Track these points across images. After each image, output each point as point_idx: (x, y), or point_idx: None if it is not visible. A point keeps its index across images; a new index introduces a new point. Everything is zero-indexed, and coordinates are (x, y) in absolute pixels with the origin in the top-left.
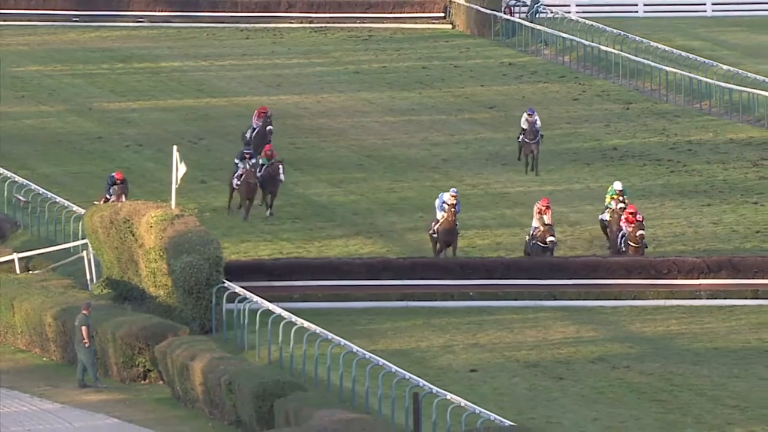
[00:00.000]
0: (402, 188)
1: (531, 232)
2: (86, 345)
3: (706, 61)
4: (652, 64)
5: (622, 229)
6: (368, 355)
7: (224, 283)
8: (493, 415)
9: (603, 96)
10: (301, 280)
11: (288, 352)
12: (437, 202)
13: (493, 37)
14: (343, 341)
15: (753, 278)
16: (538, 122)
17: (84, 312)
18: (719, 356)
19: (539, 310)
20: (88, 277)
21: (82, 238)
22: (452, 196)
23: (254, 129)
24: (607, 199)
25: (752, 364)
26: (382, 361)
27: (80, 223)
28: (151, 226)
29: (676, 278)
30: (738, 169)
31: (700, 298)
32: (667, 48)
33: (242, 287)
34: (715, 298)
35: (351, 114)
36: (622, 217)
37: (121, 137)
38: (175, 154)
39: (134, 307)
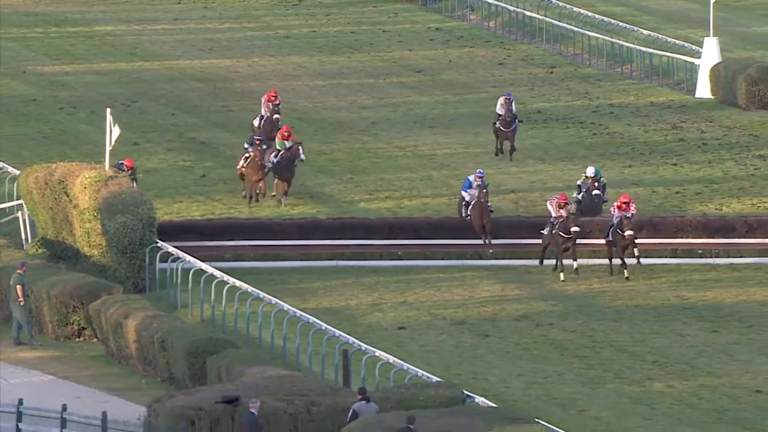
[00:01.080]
0: (332, 150)
1: (551, 221)
2: (21, 303)
3: (628, 26)
4: (575, 29)
5: (614, 214)
6: (299, 313)
7: (157, 242)
8: (420, 372)
9: (527, 60)
10: (232, 240)
11: (220, 310)
12: (464, 185)
13: (420, 3)
14: (274, 300)
15: (672, 238)
16: (514, 106)
17: (19, 271)
18: (639, 313)
19: (466, 270)
20: (23, 236)
21: (17, 199)
22: (478, 177)
23: (263, 117)
24: (583, 178)
25: (671, 321)
26: (312, 319)
27: (15, 184)
28: (86, 187)
29: (597, 237)
30: (658, 132)
31: (602, 257)
32: (589, 13)
33: (175, 247)
34: (652, 257)
35: (281, 77)
36: (614, 204)
37: (55, 100)
38: (109, 117)
39: (69, 266)
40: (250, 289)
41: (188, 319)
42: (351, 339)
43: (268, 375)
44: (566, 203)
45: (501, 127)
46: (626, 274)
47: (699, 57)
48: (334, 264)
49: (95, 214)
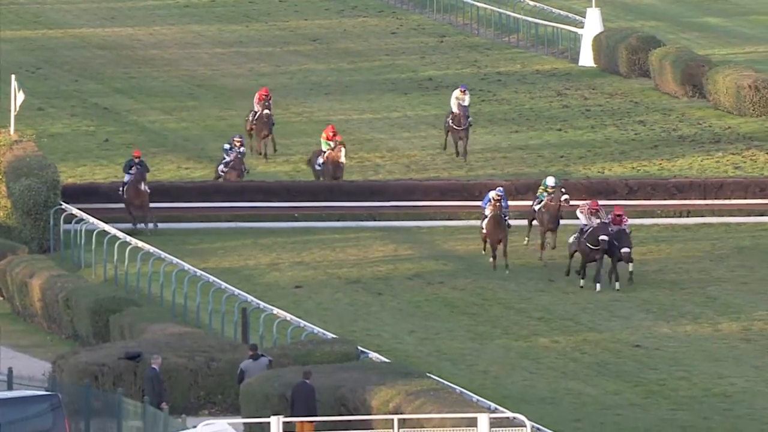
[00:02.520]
0: (230, 116)
1: (582, 228)
2: None
3: None
4: (465, 0)
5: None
6: (199, 272)
7: (61, 205)
8: (317, 329)
9: (419, 30)
10: None
11: (123, 270)
12: (484, 201)
13: None
14: (175, 260)
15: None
16: (467, 100)
17: None
18: (526, 272)
19: (360, 231)
20: None
21: None
22: (497, 195)
23: (255, 113)
24: (540, 191)
25: (556, 280)
26: (212, 278)
27: None
28: None
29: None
30: (543, 98)
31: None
32: None
33: (79, 209)
34: (523, 219)
35: (182, 46)
36: (608, 217)
37: None
38: (14, 83)
39: None
40: (152, 249)
41: (92, 279)
42: (249, 297)
43: (169, 332)
44: (597, 210)
45: (453, 126)
46: (617, 286)
47: (582, 27)
48: (233, 225)
49: (0, 177)
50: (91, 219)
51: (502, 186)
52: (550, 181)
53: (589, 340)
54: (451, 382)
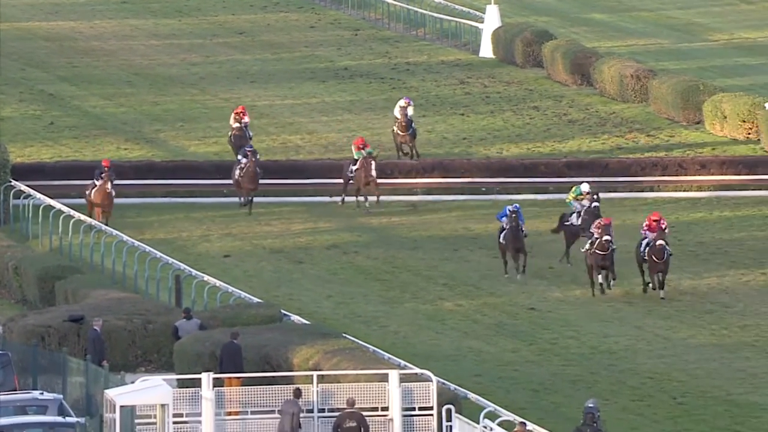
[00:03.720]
0: (165, 101)
1: (591, 240)
2: None
3: None
4: None
5: (645, 237)
6: (137, 243)
7: (11, 182)
8: (243, 294)
9: (335, 24)
10: (78, 179)
11: (67, 241)
12: (500, 215)
13: None
14: (115, 232)
15: (460, 177)
16: (411, 111)
17: None
18: (432, 242)
19: (283, 205)
20: None
21: None
22: (513, 209)
23: (233, 128)
24: (570, 198)
25: (459, 249)
26: (148, 248)
27: None
28: None
29: (397, 178)
30: (448, 86)
31: (417, 195)
32: None
33: (27, 186)
34: (430, 194)
35: (120, 38)
36: (644, 224)
37: None
38: None
39: None
40: (94, 222)
41: (39, 249)
42: (182, 266)
43: (109, 297)
44: (607, 225)
45: (398, 132)
46: (662, 294)
47: (482, 22)
48: (168, 201)
49: None
50: (38, 195)
51: (412, 163)
52: (585, 187)
53: (489, 304)
54: (364, 342)
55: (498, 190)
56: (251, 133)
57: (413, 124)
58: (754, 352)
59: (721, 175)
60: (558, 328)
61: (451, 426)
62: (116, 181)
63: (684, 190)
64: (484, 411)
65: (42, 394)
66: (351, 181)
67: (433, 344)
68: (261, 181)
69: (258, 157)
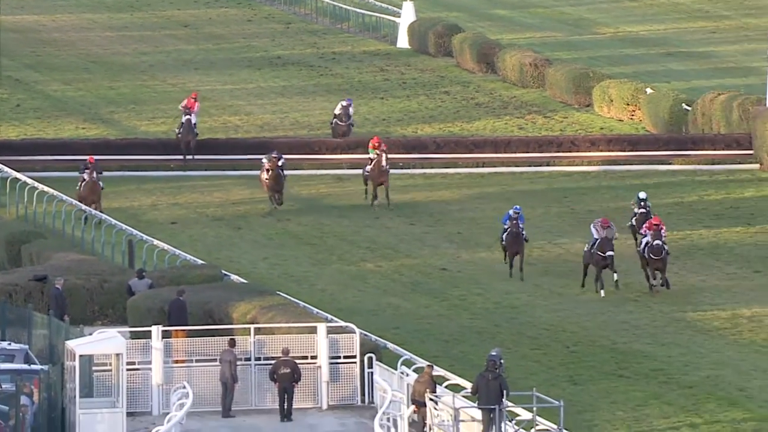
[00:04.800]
0: (118, 86)
1: (591, 242)
2: None
3: None
4: None
5: (646, 236)
6: (94, 212)
7: None
8: (189, 256)
9: (269, 18)
10: (41, 155)
11: (32, 209)
12: (503, 218)
13: None
14: (74, 201)
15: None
16: (351, 110)
17: None
18: (356, 211)
19: (223, 178)
20: None
21: None
22: (515, 213)
23: (182, 124)
24: (634, 207)
25: (380, 217)
26: (104, 216)
27: None
28: None
29: (325, 154)
30: (369, 74)
31: (343, 168)
32: None
33: None
34: (353, 169)
35: (78, 30)
36: (644, 225)
37: None
38: None
39: None
40: (56, 193)
41: (7, 216)
42: (134, 231)
43: (69, 259)
44: (608, 226)
45: (338, 122)
46: (666, 288)
47: (399, 16)
48: (121, 174)
49: None
50: (6, 168)
51: (338, 141)
52: (642, 194)
53: (406, 265)
54: (296, 299)
55: (413, 165)
56: (196, 130)
57: (351, 119)
58: (635, 306)
59: (609, 151)
60: (466, 286)
61: (372, 372)
62: (76, 156)
63: (576, 165)
64: (402, 359)
65: (9, 344)
66: (369, 180)
67: (356, 300)
68: (205, 157)
69: (282, 160)
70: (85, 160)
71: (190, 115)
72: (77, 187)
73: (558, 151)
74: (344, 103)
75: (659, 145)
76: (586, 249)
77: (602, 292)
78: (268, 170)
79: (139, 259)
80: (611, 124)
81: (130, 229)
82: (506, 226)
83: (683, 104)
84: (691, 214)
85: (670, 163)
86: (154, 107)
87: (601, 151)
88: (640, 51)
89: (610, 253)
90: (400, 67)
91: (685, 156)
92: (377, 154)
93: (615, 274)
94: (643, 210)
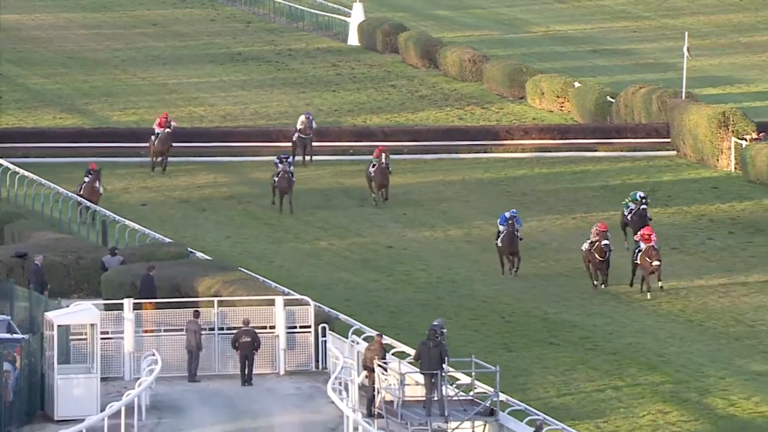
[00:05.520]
0: (93, 80)
1: (590, 240)
2: None
3: None
4: None
5: (639, 245)
6: (70, 194)
7: None
8: (157, 235)
9: (231, 17)
10: (22, 143)
11: (14, 192)
12: (499, 220)
13: None
14: (52, 185)
15: (333, 142)
16: (314, 124)
17: None
18: (310, 195)
19: (190, 164)
20: None
21: None
22: (511, 215)
23: (157, 134)
24: (627, 200)
25: (332, 199)
26: (80, 198)
27: None
28: None
29: (281, 142)
30: (322, 68)
31: (298, 155)
32: None
33: None
34: (319, 155)
35: (56, 28)
36: (638, 233)
37: None
38: None
39: None
40: (35, 177)
41: None
42: (108, 212)
43: (48, 237)
44: (605, 231)
45: (301, 136)
46: (648, 296)
47: (350, 16)
48: (95, 160)
49: None
50: None
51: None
52: (640, 193)
53: (356, 243)
54: (256, 274)
55: (359, 151)
56: (170, 142)
57: (311, 135)
58: (566, 279)
59: (540, 139)
60: (411, 262)
61: (325, 341)
62: (55, 144)
63: (511, 152)
64: (352, 328)
65: None
66: (372, 182)
67: (310, 276)
68: (173, 144)
69: (292, 163)
70: (89, 167)
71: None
72: (78, 189)
73: (494, 140)
74: (304, 118)
75: (586, 133)
76: (585, 248)
77: (597, 284)
78: (279, 173)
79: (112, 238)
80: (543, 115)
81: (104, 210)
82: (502, 228)
83: (608, 97)
84: (615, 197)
85: (596, 150)
86: (125, 99)
87: (534, 139)
88: (568, 48)
89: (605, 242)
90: (350, 63)
91: (610, 143)
92: (379, 161)
93: (603, 285)
94: (644, 206)
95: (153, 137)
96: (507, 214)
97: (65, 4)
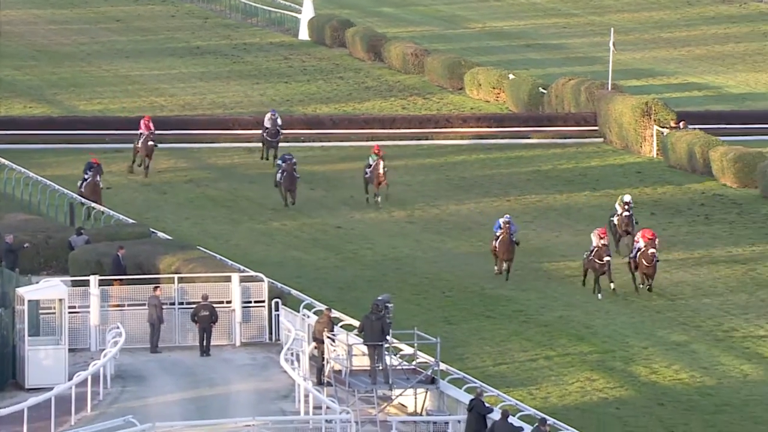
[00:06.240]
0: (61, 72)
1: (590, 249)
2: None
3: None
4: None
5: (638, 243)
6: (40, 178)
7: None
8: (122, 217)
9: (190, 14)
10: None
11: None
12: (494, 226)
13: None
14: (23, 169)
15: (287, 130)
16: (279, 121)
17: None
18: (264, 178)
19: None
20: None
21: None
22: (506, 221)
23: (141, 134)
24: (618, 206)
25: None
26: (48, 182)
27: None
28: None
29: (238, 129)
30: (275, 61)
31: (252, 142)
32: None
33: None
34: (263, 142)
35: (26, 24)
36: (638, 234)
37: None
38: None
39: None
40: (7, 162)
41: None
42: (75, 195)
43: (19, 219)
44: (605, 235)
45: (267, 138)
46: (646, 286)
47: (300, 12)
48: (63, 147)
49: None
50: None
51: (249, 118)
52: (627, 197)
53: (307, 224)
54: (213, 252)
55: (312, 139)
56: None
57: (281, 133)
58: None
59: (478, 127)
60: (358, 241)
61: (278, 314)
62: (25, 131)
63: (451, 139)
64: (303, 303)
65: None
66: (368, 179)
67: (264, 254)
68: (134, 132)
69: (295, 162)
70: (90, 161)
71: (151, 135)
72: (79, 186)
73: (435, 128)
74: (269, 115)
75: (520, 122)
76: (585, 255)
77: (599, 295)
78: (283, 171)
79: (79, 219)
80: (480, 105)
81: (71, 193)
82: (498, 233)
83: (540, 88)
84: (546, 181)
85: (529, 138)
86: (91, 89)
87: (472, 127)
88: (503, 43)
89: (606, 258)
90: (301, 56)
91: (542, 131)
92: (375, 160)
93: (612, 284)
94: (627, 213)
95: (137, 139)
96: (501, 221)
97: (35, 0)
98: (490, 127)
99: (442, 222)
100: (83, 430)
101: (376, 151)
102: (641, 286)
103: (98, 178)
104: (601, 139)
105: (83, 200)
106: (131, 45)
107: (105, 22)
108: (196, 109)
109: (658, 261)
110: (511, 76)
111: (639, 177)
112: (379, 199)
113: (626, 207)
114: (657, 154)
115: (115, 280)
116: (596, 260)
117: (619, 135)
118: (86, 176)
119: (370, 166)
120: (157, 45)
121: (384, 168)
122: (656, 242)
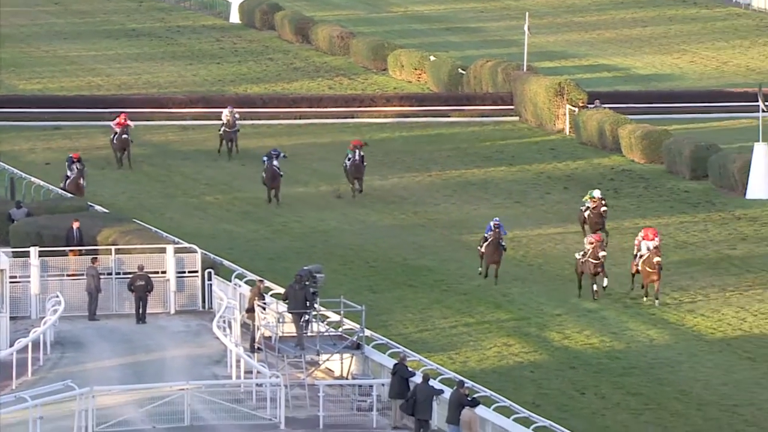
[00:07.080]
0: (1, 53)
1: (584, 249)
2: None
3: None
4: None
5: (640, 249)
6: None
7: None
8: (60, 191)
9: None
10: None
11: None
12: (486, 229)
13: None
14: None
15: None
16: (236, 116)
17: None
18: (198, 155)
19: (88, 128)
20: None
21: None
22: (495, 224)
23: (116, 133)
24: (586, 198)
25: (218, 160)
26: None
27: None
28: None
29: (172, 108)
30: (208, 43)
31: (187, 120)
32: None
33: None
34: (197, 120)
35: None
36: (640, 235)
37: None
38: None
39: None
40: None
41: None
42: (15, 170)
43: None
44: (600, 241)
45: (226, 130)
46: (651, 299)
47: None
48: (4, 124)
49: None
50: None
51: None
52: (597, 193)
53: (239, 198)
54: (149, 225)
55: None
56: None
57: (237, 128)
58: (423, 230)
59: (401, 106)
60: (287, 214)
61: (211, 284)
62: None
63: (375, 117)
64: (235, 273)
65: None
66: (348, 173)
67: (198, 226)
68: (73, 110)
69: (280, 157)
70: (71, 156)
71: (126, 132)
72: (62, 185)
73: (360, 107)
74: (227, 111)
75: (440, 101)
76: (578, 257)
77: (595, 295)
78: (267, 169)
79: (19, 193)
80: (402, 85)
81: (12, 168)
82: (488, 236)
83: (459, 69)
84: (465, 157)
85: (449, 116)
86: (30, 70)
87: (395, 106)
88: (425, 26)
89: (602, 254)
90: (232, 38)
91: (461, 110)
92: (354, 154)
93: (605, 279)
94: (604, 208)
95: (113, 135)
96: (492, 223)
97: (7, 1)
98: (412, 106)
99: (365, 196)
100: (24, 393)
101: (357, 146)
102: (645, 299)
103: (82, 181)
104: (517, 118)
105: (24, 175)
106: (69, 27)
107: (43, 5)
108: (132, 88)
109: (661, 268)
110: (432, 58)
111: (552, 153)
112: (356, 191)
113: (602, 202)
114: (569, 131)
115: (72, 250)
116: (591, 260)
117: (534, 114)
118: (69, 174)
119: (350, 159)
120: (94, 27)
121: (362, 157)
122: (658, 242)
